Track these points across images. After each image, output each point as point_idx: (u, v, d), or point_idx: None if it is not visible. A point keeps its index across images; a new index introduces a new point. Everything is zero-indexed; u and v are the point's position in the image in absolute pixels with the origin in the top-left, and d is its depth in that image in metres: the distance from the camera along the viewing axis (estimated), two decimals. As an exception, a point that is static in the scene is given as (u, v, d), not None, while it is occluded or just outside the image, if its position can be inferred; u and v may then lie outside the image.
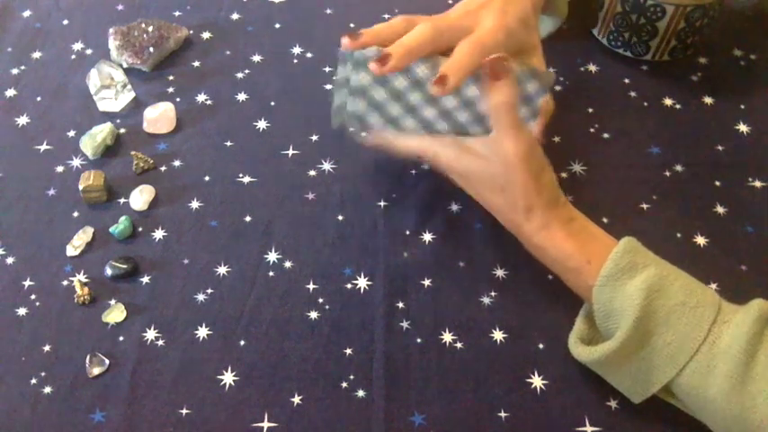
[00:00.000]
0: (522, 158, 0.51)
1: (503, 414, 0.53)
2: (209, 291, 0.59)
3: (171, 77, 0.75)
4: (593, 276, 0.50)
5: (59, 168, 0.67)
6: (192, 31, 0.79)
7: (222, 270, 0.61)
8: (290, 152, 0.68)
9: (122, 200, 0.65)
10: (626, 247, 0.49)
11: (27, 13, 0.82)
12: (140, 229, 0.63)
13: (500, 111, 0.51)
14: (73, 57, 0.77)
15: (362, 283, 0.60)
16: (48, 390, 0.54)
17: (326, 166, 0.67)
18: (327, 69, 0.75)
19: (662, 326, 0.47)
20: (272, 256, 0.61)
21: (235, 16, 0.81)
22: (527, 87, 0.55)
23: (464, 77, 0.51)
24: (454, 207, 0.64)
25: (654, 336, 0.47)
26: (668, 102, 0.72)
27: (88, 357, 0.55)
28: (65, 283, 0.60)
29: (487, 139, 0.53)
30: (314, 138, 0.69)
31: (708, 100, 0.72)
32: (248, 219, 0.64)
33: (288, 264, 0.61)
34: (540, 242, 0.52)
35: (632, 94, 0.73)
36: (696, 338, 0.46)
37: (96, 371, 0.55)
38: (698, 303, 0.47)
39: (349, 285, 0.60)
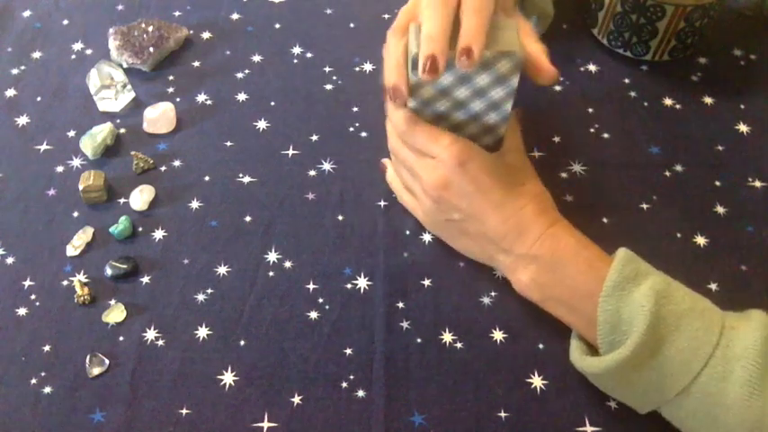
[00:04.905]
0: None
1: (503, 414, 0.53)
2: (209, 291, 0.59)
3: (171, 77, 0.75)
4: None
5: (59, 168, 0.67)
6: (192, 31, 0.79)
7: (222, 270, 0.61)
8: (290, 152, 0.68)
9: (122, 200, 0.65)
10: (626, 257, 0.49)
11: (27, 13, 0.82)
12: (140, 229, 0.63)
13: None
14: (73, 57, 0.77)
15: (362, 283, 0.60)
16: (48, 390, 0.54)
17: (326, 166, 0.67)
18: (327, 69, 0.75)
19: (673, 332, 0.46)
20: (272, 256, 0.61)
21: (235, 16, 0.81)
22: (492, 95, 0.54)
23: (483, 41, 0.49)
24: (454, 207, 0.64)
25: (666, 343, 0.46)
26: (668, 102, 0.72)
27: (88, 357, 0.55)
28: (65, 283, 0.60)
29: None
30: (314, 138, 0.69)
31: (708, 100, 0.72)
32: (248, 219, 0.64)
33: (288, 264, 0.61)
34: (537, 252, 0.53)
35: (632, 94, 0.73)
36: (709, 342, 0.45)
37: (96, 371, 0.55)
38: (705, 308, 0.47)
39: (349, 285, 0.60)
